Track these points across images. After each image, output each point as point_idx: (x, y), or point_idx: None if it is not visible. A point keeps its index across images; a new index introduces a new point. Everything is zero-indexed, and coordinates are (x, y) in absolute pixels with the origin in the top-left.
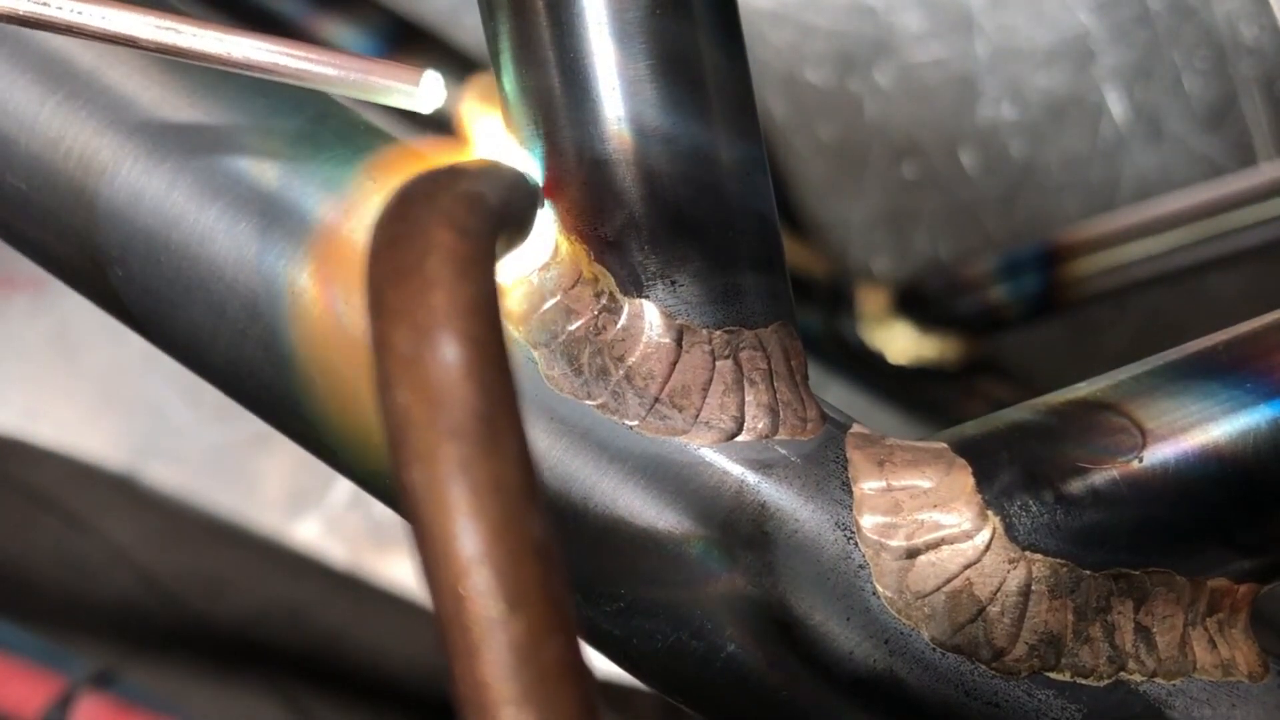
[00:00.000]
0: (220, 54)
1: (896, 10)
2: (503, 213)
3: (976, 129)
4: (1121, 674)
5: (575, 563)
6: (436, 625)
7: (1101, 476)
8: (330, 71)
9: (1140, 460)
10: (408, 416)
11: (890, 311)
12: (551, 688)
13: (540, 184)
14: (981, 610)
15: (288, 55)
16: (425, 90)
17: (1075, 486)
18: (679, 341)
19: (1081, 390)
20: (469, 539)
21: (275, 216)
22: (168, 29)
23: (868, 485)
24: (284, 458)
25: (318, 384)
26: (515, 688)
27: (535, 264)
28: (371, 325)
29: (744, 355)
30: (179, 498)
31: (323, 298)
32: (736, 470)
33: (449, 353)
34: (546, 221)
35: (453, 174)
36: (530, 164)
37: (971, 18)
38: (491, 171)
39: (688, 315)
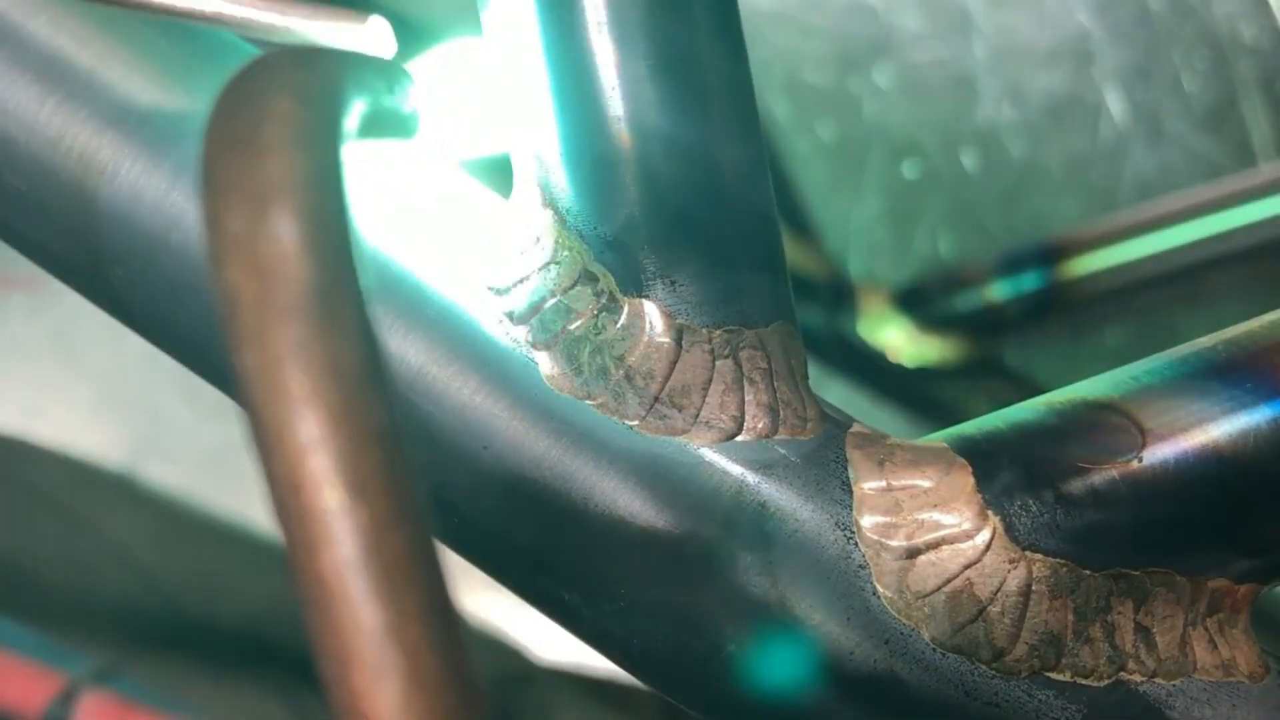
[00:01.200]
0: (163, 4)
1: (896, 11)
2: (363, 92)
3: (976, 129)
4: (1121, 674)
5: (575, 563)
6: (275, 517)
7: (1101, 476)
8: (276, 20)
9: (1140, 460)
10: (238, 295)
11: (890, 311)
12: (398, 578)
13: (415, 82)
14: (982, 610)
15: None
16: (372, 34)
17: (1075, 486)
18: (679, 341)
19: (1081, 390)
20: (305, 424)
21: None
22: None
23: (868, 485)
24: None
25: None
26: (360, 580)
27: (535, 264)
28: (202, 201)
29: (744, 355)
30: (179, 497)
31: None
32: (736, 470)
33: (283, 226)
34: (546, 221)
35: (309, 52)
36: (526, 161)
37: (971, 18)
38: (360, 58)
39: (688, 315)
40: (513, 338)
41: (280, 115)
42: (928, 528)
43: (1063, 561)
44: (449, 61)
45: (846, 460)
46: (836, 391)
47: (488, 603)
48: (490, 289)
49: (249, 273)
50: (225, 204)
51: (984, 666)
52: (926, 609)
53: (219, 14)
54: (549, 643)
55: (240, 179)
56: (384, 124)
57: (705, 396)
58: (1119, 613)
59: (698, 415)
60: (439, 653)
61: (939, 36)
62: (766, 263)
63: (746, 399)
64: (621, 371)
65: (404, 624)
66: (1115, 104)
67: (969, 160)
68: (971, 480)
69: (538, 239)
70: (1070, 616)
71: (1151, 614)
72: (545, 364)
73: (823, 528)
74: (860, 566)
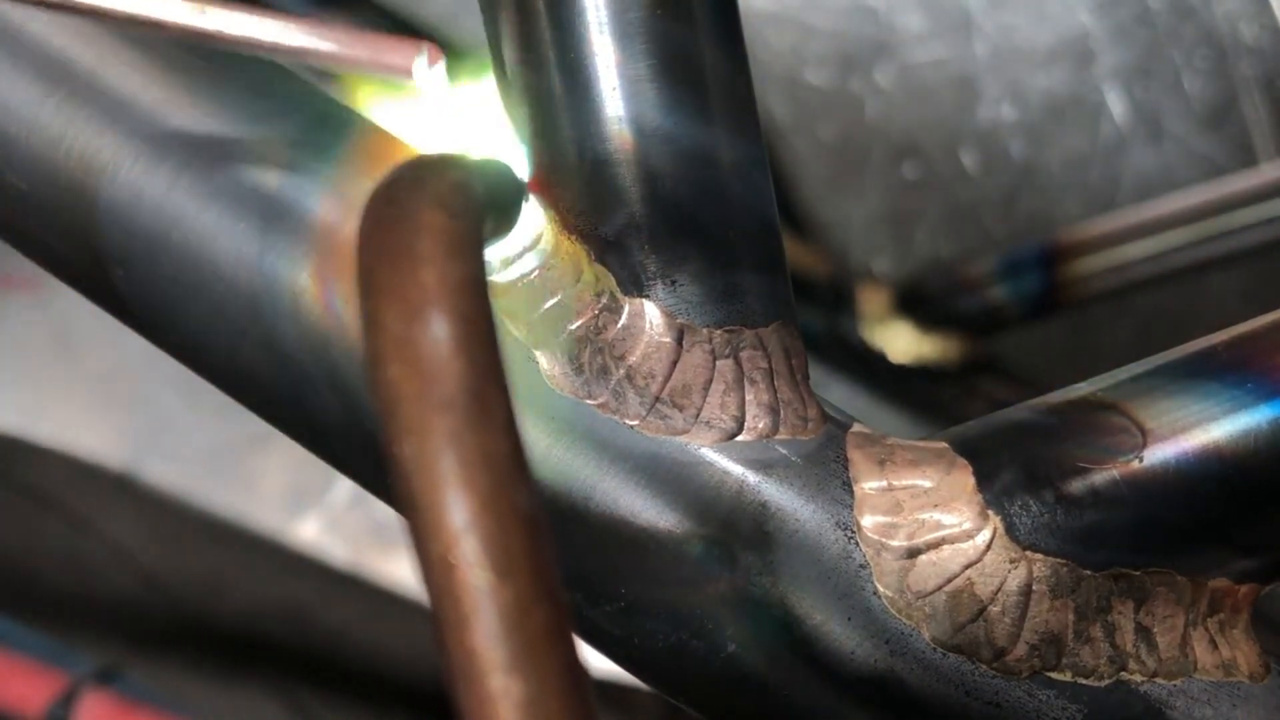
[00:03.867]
0: (213, 31)
1: (897, 11)
2: (489, 200)
3: (977, 129)
4: (1122, 674)
5: (576, 563)
6: (427, 595)
7: (1102, 476)
8: (325, 48)
9: (1141, 460)
10: (398, 391)
11: (891, 311)
12: (539, 653)
13: (526, 179)
14: (982, 610)
15: (282, 30)
16: (425, 63)
17: (1076, 486)
18: (679, 341)
19: (1081, 390)
20: (458, 509)
21: (275, 216)
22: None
23: (869, 485)
24: (284, 457)
25: (318, 384)
26: (504, 654)
27: (536, 264)
28: (362, 303)
29: (745, 355)
30: (179, 497)
31: (323, 298)
32: (737, 470)
33: (439, 329)
34: (547, 221)
35: (441, 161)
36: (528, 161)
37: (971, 18)
38: (478, 161)
39: (688, 315)
40: (513, 337)
41: (432, 227)
42: (928, 528)
43: (1063, 561)
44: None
45: (847, 460)
46: (836, 391)
47: None
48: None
49: (409, 370)
50: (386, 308)
51: (984, 666)
52: (927, 609)
53: (276, 44)
54: None
55: (399, 286)
56: (500, 227)
57: (706, 396)
58: (1119, 613)
59: (698, 415)
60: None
61: (939, 37)
62: (767, 263)
63: (747, 399)
64: (622, 371)
65: (545, 694)
66: (1115, 104)
67: (969, 160)
68: (972, 480)
69: (538, 239)
70: (1071, 616)
71: (1152, 614)
72: (546, 363)
73: (823, 527)
74: (861, 566)
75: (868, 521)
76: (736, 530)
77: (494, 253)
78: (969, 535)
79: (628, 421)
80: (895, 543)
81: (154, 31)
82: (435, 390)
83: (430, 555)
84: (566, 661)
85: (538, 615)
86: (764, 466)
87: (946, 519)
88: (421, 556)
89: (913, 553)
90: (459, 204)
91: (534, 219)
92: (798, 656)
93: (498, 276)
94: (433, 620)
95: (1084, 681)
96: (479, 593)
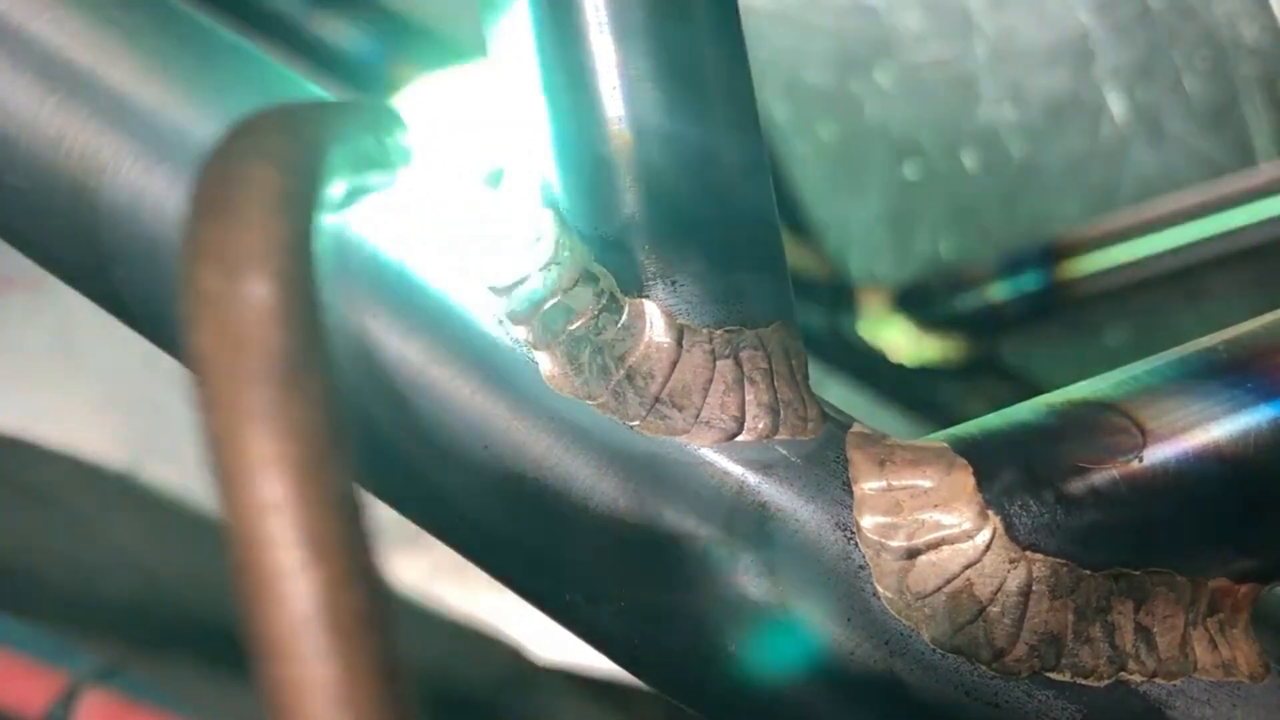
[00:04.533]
0: None
1: (897, 11)
2: (346, 150)
3: (977, 129)
4: (1122, 674)
5: (576, 563)
6: (234, 574)
7: (1102, 476)
8: None
9: (1140, 460)
10: (208, 359)
11: (891, 311)
12: (349, 640)
13: (407, 118)
14: (982, 610)
15: None
16: None
17: (1075, 486)
18: (679, 341)
19: (1081, 390)
20: (267, 486)
21: None
22: None
23: (868, 485)
24: None
25: None
26: (312, 641)
27: (536, 264)
28: (180, 262)
29: (744, 355)
30: (180, 497)
31: None
32: (737, 470)
33: (256, 292)
34: (547, 222)
35: (283, 113)
36: (526, 161)
37: (971, 18)
38: (343, 108)
39: (688, 315)
40: (513, 338)
41: (260, 182)
42: (928, 528)
43: (1063, 561)
44: (455, 69)
45: (847, 460)
46: (836, 391)
47: (488, 602)
48: (491, 289)
49: (219, 336)
50: (200, 267)
51: (984, 667)
52: (926, 609)
53: None
54: (549, 641)
55: (217, 244)
56: (368, 172)
57: (706, 397)
58: (1119, 613)
59: (698, 415)
60: (388, 712)
61: (939, 36)
62: (767, 263)
63: (747, 399)
64: (622, 371)
65: (354, 682)
66: (1116, 104)
67: (969, 160)
68: (972, 480)
69: (539, 239)
70: (1070, 616)
71: (1152, 614)
72: (546, 364)
73: (823, 528)
74: (860, 567)
75: (867, 522)
76: (736, 530)
77: (494, 253)
78: (969, 535)
79: (627, 422)
80: (895, 543)
81: None
82: (247, 359)
83: (237, 534)
84: (378, 649)
85: (349, 599)
86: (764, 467)
87: (946, 519)
88: (230, 535)
89: (912, 553)
90: (295, 158)
91: (534, 219)
92: (798, 657)
93: (497, 277)
94: (240, 603)
95: (1083, 682)
96: (286, 575)
